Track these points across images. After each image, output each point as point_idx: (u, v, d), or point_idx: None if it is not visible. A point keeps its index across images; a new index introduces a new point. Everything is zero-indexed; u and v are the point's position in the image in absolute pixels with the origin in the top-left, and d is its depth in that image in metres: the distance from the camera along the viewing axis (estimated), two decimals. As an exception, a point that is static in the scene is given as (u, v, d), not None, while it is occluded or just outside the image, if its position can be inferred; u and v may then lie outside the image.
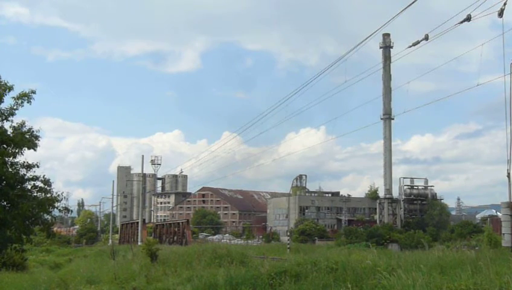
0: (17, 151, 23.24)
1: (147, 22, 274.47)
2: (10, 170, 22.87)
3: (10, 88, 22.82)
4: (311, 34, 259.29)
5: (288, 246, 47.32)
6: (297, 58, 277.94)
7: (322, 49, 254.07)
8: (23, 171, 23.45)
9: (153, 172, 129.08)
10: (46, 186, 23.83)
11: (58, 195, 24.44)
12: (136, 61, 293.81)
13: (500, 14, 15.93)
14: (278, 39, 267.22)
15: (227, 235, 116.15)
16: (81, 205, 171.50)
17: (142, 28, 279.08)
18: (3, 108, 23.00)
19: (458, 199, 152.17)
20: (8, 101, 22.91)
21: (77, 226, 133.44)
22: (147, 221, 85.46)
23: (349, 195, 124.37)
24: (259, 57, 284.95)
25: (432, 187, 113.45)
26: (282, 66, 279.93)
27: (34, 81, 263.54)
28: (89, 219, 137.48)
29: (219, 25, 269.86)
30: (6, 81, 22.94)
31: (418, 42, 20.32)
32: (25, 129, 23.38)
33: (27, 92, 22.90)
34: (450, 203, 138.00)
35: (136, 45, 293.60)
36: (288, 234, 75.93)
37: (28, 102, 22.96)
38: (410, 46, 20.96)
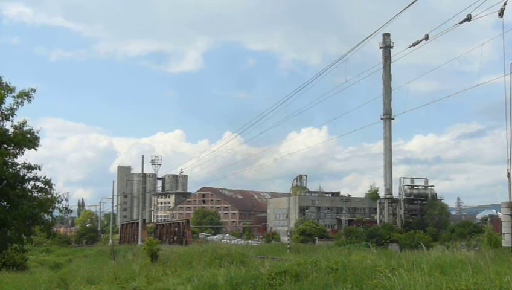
0: (17, 151, 23.27)
1: (149, 22, 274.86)
2: (11, 170, 22.89)
3: (12, 89, 22.83)
4: (314, 33, 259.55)
5: (288, 246, 47.34)
6: (299, 58, 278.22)
7: (325, 49, 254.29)
8: (23, 171, 23.46)
9: (153, 172, 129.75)
10: (46, 187, 23.86)
11: (59, 196, 24.51)
12: (138, 61, 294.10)
13: (500, 14, 15.91)
14: (281, 39, 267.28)
15: (227, 235, 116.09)
16: (81, 205, 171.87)
17: (144, 28, 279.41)
18: (3, 108, 23.04)
19: (458, 199, 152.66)
20: (9, 101, 22.93)
21: (77, 226, 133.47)
22: (147, 221, 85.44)
23: (349, 195, 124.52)
24: (262, 56, 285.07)
25: (432, 187, 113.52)
26: (284, 66, 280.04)
27: (36, 81, 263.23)
28: (89, 219, 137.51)
29: (221, 25, 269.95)
30: (8, 82, 22.97)
31: (418, 42, 20.32)
32: (25, 129, 23.38)
33: (27, 90, 22.92)
34: (450, 203, 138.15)
35: (138, 45, 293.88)
36: (289, 234, 75.92)
37: (28, 101, 22.98)
38: (411, 46, 20.96)
